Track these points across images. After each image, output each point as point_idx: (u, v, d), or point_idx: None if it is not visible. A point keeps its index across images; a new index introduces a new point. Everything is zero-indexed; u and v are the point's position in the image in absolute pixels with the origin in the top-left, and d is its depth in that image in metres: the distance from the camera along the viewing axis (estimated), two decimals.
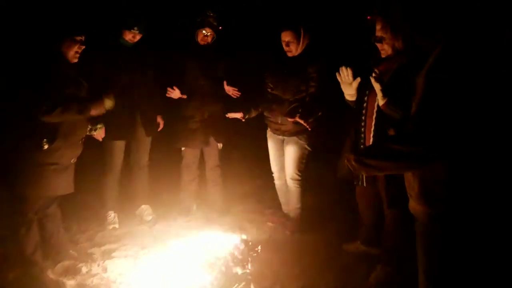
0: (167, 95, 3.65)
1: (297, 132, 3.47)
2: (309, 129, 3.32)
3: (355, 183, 3.03)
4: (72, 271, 2.99)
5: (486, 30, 1.53)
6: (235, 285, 2.88)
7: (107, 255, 3.24)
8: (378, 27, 2.66)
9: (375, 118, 2.75)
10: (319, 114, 3.34)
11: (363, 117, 2.85)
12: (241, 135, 4.83)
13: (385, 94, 2.54)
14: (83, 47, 2.82)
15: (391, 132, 2.25)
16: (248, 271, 3.04)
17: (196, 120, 3.74)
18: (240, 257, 3.17)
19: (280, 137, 3.62)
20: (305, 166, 3.59)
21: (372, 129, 2.78)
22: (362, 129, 2.86)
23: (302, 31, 3.32)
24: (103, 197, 3.72)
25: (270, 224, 3.85)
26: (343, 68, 2.83)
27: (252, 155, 5.12)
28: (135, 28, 3.39)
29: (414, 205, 1.71)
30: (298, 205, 3.70)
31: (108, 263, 3.11)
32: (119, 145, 3.62)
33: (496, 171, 1.52)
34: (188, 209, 4.04)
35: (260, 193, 4.55)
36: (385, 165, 1.66)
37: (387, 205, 2.80)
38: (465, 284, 1.62)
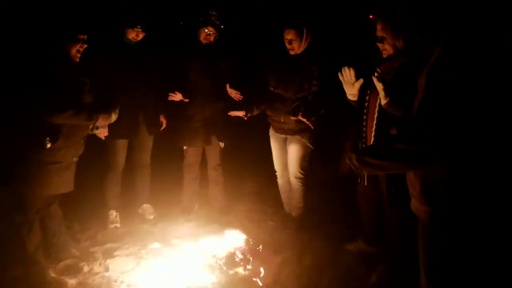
0: (169, 98, 3.64)
1: (299, 130, 3.47)
2: (312, 128, 3.32)
3: (356, 182, 3.02)
4: (74, 270, 2.99)
5: (487, 30, 1.52)
6: (236, 285, 2.88)
7: (109, 254, 3.24)
8: (379, 27, 2.65)
9: (377, 117, 2.75)
10: (322, 112, 3.35)
11: (364, 116, 2.86)
12: (243, 134, 4.82)
13: (387, 93, 2.54)
14: (85, 46, 2.82)
15: (393, 131, 2.25)
16: (249, 270, 3.04)
17: (198, 119, 3.74)
18: (241, 256, 3.18)
19: (283, 135, 3.63)
20: (308, 165, 3.60)
21: (374, 128, 2.77)
22: (364, 128, 2.86)
23: (305, 30, 3.32)
24: (105, 196, 3.72)
25: (271, 223, 3.85)
26: (346, 68, 2.84)
27: (253, 154, 5.12)
28: (138, 26, 3.39)
29: (415, 205, 1.70)
30: (301, 204, 3.70)
31: (110, 262, 3.11)
32: (122, 144, 3.62)
33: (497, 171, 1.51)
34: (190, 209, 4.04)
35: (261, 193, 4.55)
36: (386, 164, 1.66)
37: (388, 204, 2.80)
38: (466, 284, 1.61)
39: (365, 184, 2.96)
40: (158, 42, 3.78)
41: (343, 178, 3.06)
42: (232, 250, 3.25)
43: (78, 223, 3.70)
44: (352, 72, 2.82)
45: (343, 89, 2.93)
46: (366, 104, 2.85)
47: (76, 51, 2.79)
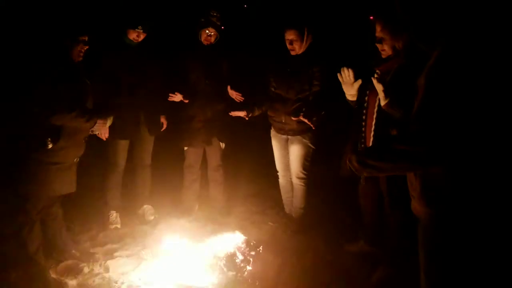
0: (169, 99, 3.65)
1: (301, 131, 3.48)
2: (313, 128, 3.33)
3: (359, 182, 3.03)
4: (74, 271, 2.99)
5: (486, 31, 1.52)
6: (236, 286, 2.88)
7: (109, 255, 3.25)
8: (378, 28, 2.66)
9: (376, 117, 2.75)
10: (323, 113, 3.35)
11: (363, 117, 2.87)
12: (243, 134, 4.82)
13: (387, 94, 2.54)
14: (87, 47, 2.83)
15: (394, 132, 2.25)
16: (249, 271, 3.03)
17: (199, 120, 3.74)
18: (241, 257, 3.17)
19: (284, 136, 3.63)
20: (310, 165, 3.60)
21: (373, 128, 2.78)
22: (363, 129, 2.87)
23: (305, 30, 3.33)
24: (106, 196, 3.72)
25: (271, 224, 3.85)
26: (345, 68, 2.85)
27: (254, 155, 5.12)
28: (139, 27, 3.39)
29: (416, 206, 1.70)
30: (302, 205, 3.70)
31: (110, 263, 3.11)
32: (123, 145, 3.62)
33: (498, 172, 1.51)
34: (190, 209, 4.04)
35: (262, 193, 4.55)
36: (386, 166, 1.66)
37: (389, 205, 2.79)
38: (466, 285, 1.61)
39: (363, 183, 2.96)
40: (159, 43, 3.78)
41: (344, 179, 3.06)
42: (233, 251, 3.24)
43: (79, 224, 3.70)
44: (351, 72, 2.83)
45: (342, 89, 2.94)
46: (365, 104, 2.85)
47: (78, 52, 2.80)
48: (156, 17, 3.65)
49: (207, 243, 3.42)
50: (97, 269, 3.05)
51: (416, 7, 1.59)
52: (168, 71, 3.74)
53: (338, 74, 2.88)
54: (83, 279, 2.93)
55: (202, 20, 3.61)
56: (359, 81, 2.82)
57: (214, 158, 3.96)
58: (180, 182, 4.06)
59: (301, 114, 3.25)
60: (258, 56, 4.76)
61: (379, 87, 2.55)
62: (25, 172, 2.73)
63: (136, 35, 3.43)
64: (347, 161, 1.80)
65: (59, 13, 3.11)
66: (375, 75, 2.54)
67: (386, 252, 2.98)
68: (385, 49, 2.69)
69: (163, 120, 3.87)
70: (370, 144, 2.79)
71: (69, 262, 3.07)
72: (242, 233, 3.58)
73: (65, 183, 2.86)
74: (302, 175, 3.60)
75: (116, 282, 2.90)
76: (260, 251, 3.30)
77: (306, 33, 3.33)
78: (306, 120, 3.26)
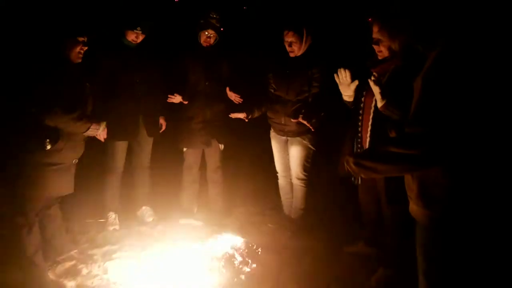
0: (168, 100, 3.65)
1: (300, 132, 3.48)
2: (312, 130, 3.33)
3: (354, 183, 3.04)
4: (73, 272, 2.99)
5: (485, 32, 1.52)
6: (236, 287, 2.88)
7: (108, 256, 3.24)
8: (375, 29, 2.66)
9: (372, 118, 2.76)
10: (322, 114, 3.35)
11: (360, 117, 2.87)
12: (242, 136, 4.82)
13: (384, 96, 2.54)
14: (86, 48, 2.83)
15: (392, 134, 2.25)
16: (248, 273, 3.03)
17: (199, 121, 3.74)
18: (241, 258, 3.17)
19: (284, 137, 3.63)
20: (310, 166, 3.60)
21: (369, 129, 2.78)
22: (359, 129, 2.88)
23: (305, 32, 3.33)
24: (104, 198, 3.72)
25: (271, 225, 3.85)
26: (341, 69, 2.86)
27: (253, 157, 5.12)
28: (138, 28, 3.39)
29: (413, 207, 1.70)
30: (302, 207, 3.70)
31: (109, 265, 3.11)
32: (122, 146, 3.62)
33: (495, 174, 1.51)
34: (189, 211, 4.03)
35: (261, 195, 4.54)
36: (383, 167, 1.66)
37: (387, 206, 2.79)
38: (464, 286, 1.61)
39: (359, 182, 2.97)
40: (158, 44, 3.78)
41: (343, 180, 3.07)
42: (232, 253, 3.24)
43: (78, 225, 3.70)
44: (348, 73, 2.84)
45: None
46: (361, 105, 2.86)
47: (77, 53, 2.80)
48: (155, 18, 3.64)
49: (206, 244, 3.42)
50: (96, 270, 3.04)
51: (416, 7, 1.60)
52: (168, 72, 3.74)
53: (335, 75, 2.89)
54: (82, 280, 2.93)
55: (202, 21, 3.61)
56: (356, 82, 2.83)
57: (214, 159, 3.96)
58: (179, 183, 4.05)
59: (301, 115, 3.26)
60: (257, 57, 4.77)
61: (376, 89, 2.55)
62: (24, 173, 2.72)
63: (134, 36, 3.43)
64: (345, 163, 1.80)
65: (59, 13, 3.11)
66: (372, 77, 2.55)
67: (386, 253, 2.97)
68: (382, 51, 2.69)
69: (162, 121, 3.87)
70: (367, 144, 2.79)
71: (68, 263, 3.07)
72: (242, 234, 3.59)
73: (63, 184, 2.86)
74: (302, 176, 3.61)
75: (114, 284, 2.90)
76: (260, 252, 3.31)
77: (305, 34, 3.33)
78: (305, 122, 3.26)
